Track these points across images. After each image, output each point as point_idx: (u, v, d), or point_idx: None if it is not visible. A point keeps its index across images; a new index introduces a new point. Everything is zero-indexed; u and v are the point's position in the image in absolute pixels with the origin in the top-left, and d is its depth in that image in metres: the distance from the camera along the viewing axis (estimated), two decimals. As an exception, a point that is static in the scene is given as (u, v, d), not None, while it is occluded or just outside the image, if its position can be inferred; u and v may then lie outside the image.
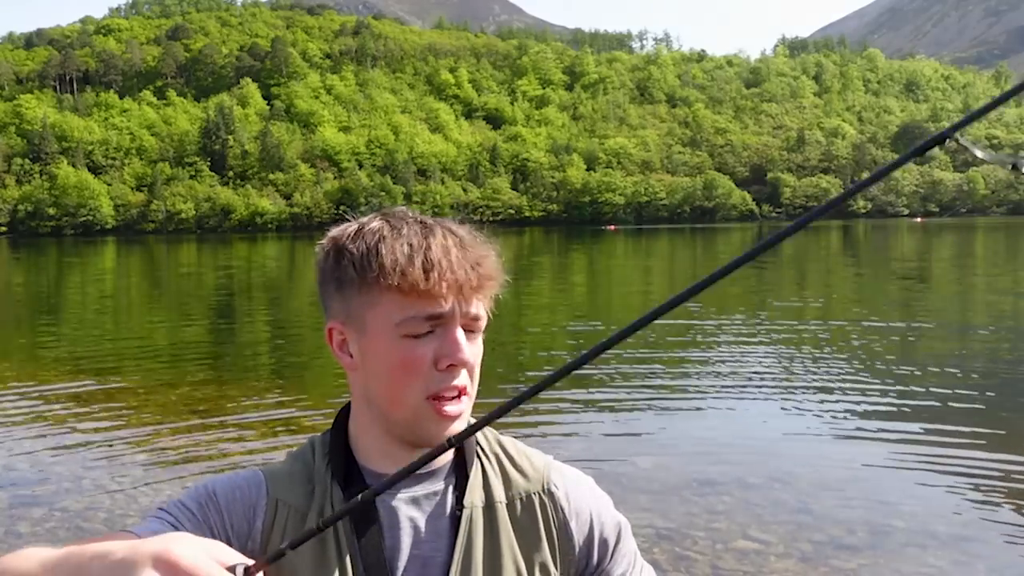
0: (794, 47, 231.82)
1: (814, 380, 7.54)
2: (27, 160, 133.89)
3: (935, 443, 5.46)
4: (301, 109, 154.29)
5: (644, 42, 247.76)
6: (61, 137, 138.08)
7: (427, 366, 1.04)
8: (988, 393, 7.06)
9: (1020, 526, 4.02)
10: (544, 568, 1.15)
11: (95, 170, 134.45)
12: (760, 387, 7.27)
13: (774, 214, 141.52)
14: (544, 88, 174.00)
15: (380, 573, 1.09)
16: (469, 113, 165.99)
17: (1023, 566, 3.56)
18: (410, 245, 1.04)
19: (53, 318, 14.60)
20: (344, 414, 1.17)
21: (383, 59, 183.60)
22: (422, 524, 1.12)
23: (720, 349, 9.35)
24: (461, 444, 1.12)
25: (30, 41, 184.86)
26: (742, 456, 5.17)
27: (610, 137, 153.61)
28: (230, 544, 1.01)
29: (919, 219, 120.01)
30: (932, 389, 7.15)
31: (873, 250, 35.94)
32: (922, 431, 5.77)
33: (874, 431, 5.77)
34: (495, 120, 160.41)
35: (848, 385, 7.40)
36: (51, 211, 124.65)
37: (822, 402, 6.72)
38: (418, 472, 1.06)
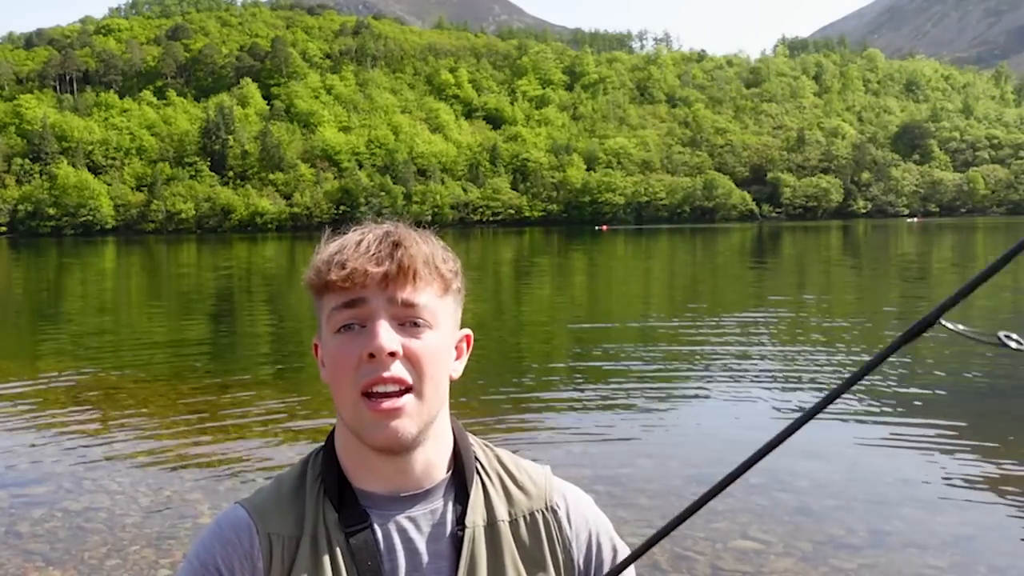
0: (794, 47, 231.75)
1: (814, 380, 7.54)
2: (27, 160, 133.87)
3: (935, 443, 5.46)
4: (301, 109, 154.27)
5: (644, 42, 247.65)
6: (61, 137, 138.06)
7: (354, 359, 1.04)
8: (989, 393, 7.06)
9: (1021, 526, 4.02)
10: None
11: (95, 170, 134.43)
12: (760, 387, 7.27)
13: (774, 214, 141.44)
14: (544, 88, 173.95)
15: None
16: (469, 113, 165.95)
17: (1023, 567, 3.56)
18: (340, 245, 1.07)
19: (53, 318, 14.60)
20: (328, 439, 1.16)
21: (383, 59, 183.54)
22: (422, 546, 1.10)
23: (720, 349, 9.35)
24: (459, 461, 1.14)
25: (30, 41, 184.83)
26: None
27: (610, 137, 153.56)
28: None
29: (916, 219, 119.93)
30: (932, 389, 7.15)
31: (872, 250, 35.94)
32: (922, 431, 5.77)
33: (874, 431, 5.77)
34: (495, 120, 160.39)
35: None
36: (51, 211, 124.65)
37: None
38: (414, 492, 1.09)
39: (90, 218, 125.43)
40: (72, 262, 39.85)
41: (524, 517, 1.15)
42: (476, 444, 1.20)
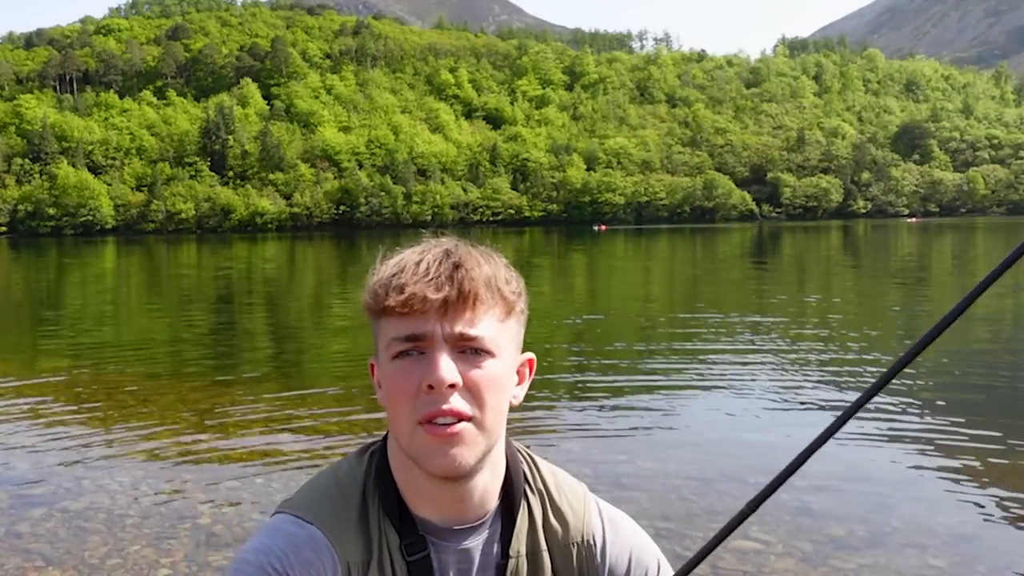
0: (794, 47, 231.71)
1: (814, 380, 7.54)
2: (27, 160, 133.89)
3: (935, 443, 5.47)
4: (301, 109, 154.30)
5: (644, 42, 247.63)
6: (61, 137, 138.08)
7: (414, 389, 1.02)
8: (989, 393, 7.06)
9: (1021, 527, 4.02)
10: None
11: (95, 170, 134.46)
12: (760, 387, 7.27)
13: (774, 214, 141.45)
14: (544, 88, 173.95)
15: None
16: (469, 113, 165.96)
17: None
18: (398, 267, 1.04)
19: (53, 318, 14.60)
20: (381, 454, 1.15)
21: (383, 59, 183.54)
22: (473, 575, 1.12)
23: (720, 348, 9.35)
24: (510, 488, 1.14)
25: (30, 41, 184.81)
26: (742, 456, 5.17)
27: (610, 137, 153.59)
28: None
29: (914, 219, 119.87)
30: (933, 389, 7.16)
31: (872, 250, 35.95)
32: (922, 431, 5.77)
33: (874, 430, 5.77)
34: (495, 120, 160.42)
35: (848, 385, 7.40)
36: (51, 211, 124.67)
37: (822, 402, 6.72)
38: (468, 526, 1.11)
39: (90, 218, 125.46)
40: (72, 262, 39.86)
41: (560, 548, 1.16)
42: (521, 459, 1.19)
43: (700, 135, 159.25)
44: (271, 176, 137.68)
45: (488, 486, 1.11)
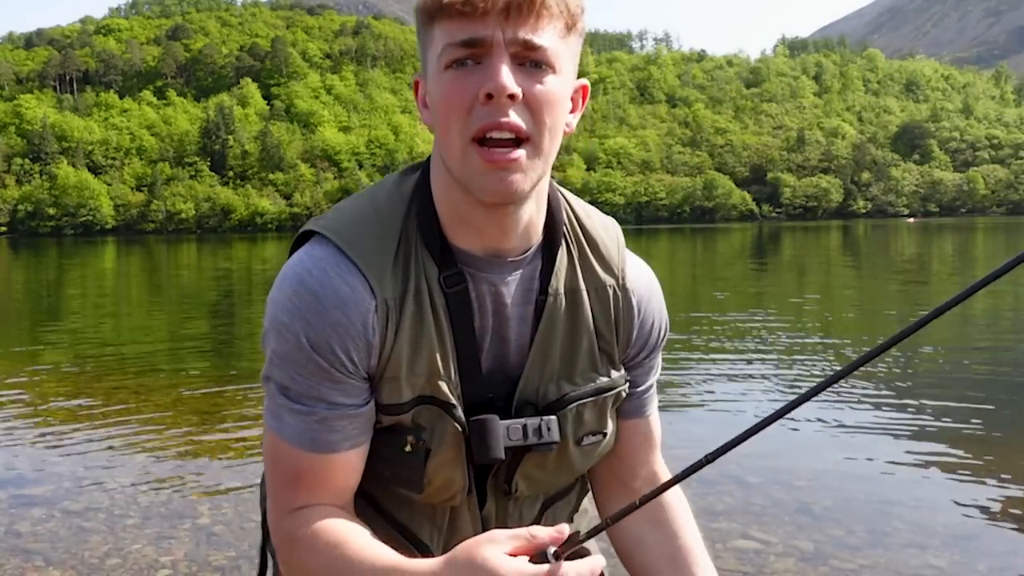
0: (794, 47, 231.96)
1: (814, 379, 7.54)
2: (27, 160, 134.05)
3: (935, 443, 5.47)
4: (301, 109, 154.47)
5: (644, 42, 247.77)
6: (61, 137, 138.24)
7: (468, 99, 0.96)
8: (989, 392, 7.06)
9: (1022, 527, 4.02)
10: (610, 356, 1.19)
11: (95, 170, 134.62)
12: (760, 387, 7.27)
13: (774, 214, 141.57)
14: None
15: (469, 353, 1.09)
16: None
17: None
18: None
19: (53, 318, 14.60)
20: (423, 179, 1.11)
21: (383, 59, 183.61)
22: (509, 309, 1.11)
23: (719, 348, 9.35)
24: (552, 225, 1.12)
25: (30, 41, 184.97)
26: (742, 456, 5.17)
27: (610, 137, 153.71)
28: (356, 369, 1.05)
29: (912, 219, 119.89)
30: (933, 388, 7.16)
31: (872, 250, 35.95)
32: (923, 430, 5.77)
33: (874, 430, 5.77)
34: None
35: (848, 384, 7.40)
36: (51, 211, 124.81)
37: (822, 401, 6.72)
38: (510, 259, 1.09)
39: (90, 218, 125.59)
40: (72, 262, 39.86)
41: (597, 289, 1.17)
42: (560, 196, 1.17)
43: (700, 135, 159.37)
44: (271, 176, 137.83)
45: (533, 218, 1.09)
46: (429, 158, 1.13)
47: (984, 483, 4.66)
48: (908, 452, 5.25)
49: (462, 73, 0.97)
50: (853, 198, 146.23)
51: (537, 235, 1.12)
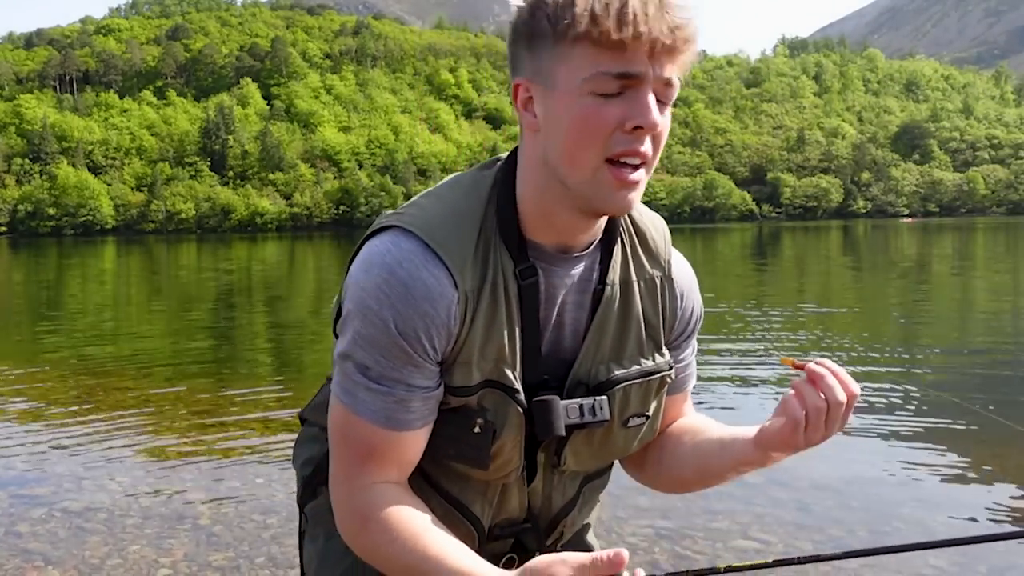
0: (794, 47, 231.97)
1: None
2: (27, 160, 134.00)
3: (936, 443, 5.46)
4: (301, 109, 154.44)
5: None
6: (61, 137, 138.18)
7: (611, 127, 1.03)
8: (989, 392, 7.05)
9: (1022, 528, 4.01)
10: (656, 342, 1.29)
11: (95, 170, 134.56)
12: (760, 387, 7.27)
13: (774, 214, 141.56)
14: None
15: (533, 337, 1.17)
16: (469, 113, 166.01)
17: None
18: None
19: (52, 318, 14.60)
20: (505, 176, 1.18)
21: (383, 59, 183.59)
22: (570, 298, 1.20)
23: (720, 348, 9.34)
24: (612, 222, 1.22)
25: (30, 41, 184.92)
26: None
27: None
28: (435, 355, 1.13)
29: (909, 219, 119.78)
30: (933, 388, 7.15)
31: (872, 251, 35.94)
32: (923, 431, 5.77)
33: (875, 431, 5.77)
34: (495, 120, 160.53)
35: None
36: (51, 211, 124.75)
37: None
38: (575, 254, 1.18)
39: (90, 218, 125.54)
40: (72, 262, 39.86)
41: (646, 280, 1.27)
42: None
43: (700, 135, 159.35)
44: (271, 176, 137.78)
45: (605, 219, 1.19)
46: (508, 157, 1.19)
47: (984, 483, 4.65)
48: (908, 452, 5.25)
49: (607, 101, 1.02)
50: (853, 198, 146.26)
51: (600, 232, 1.21)
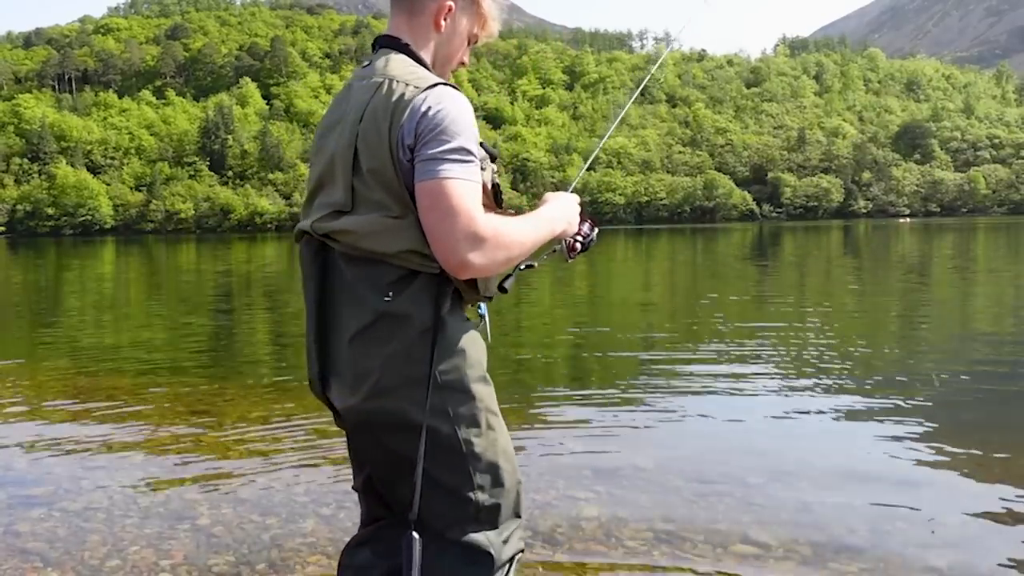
0: (795, 47, 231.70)
1: (816, 380, 7.54)
2: (26, 160, 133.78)
3: (936, 443, 5.46)
4: (301, 109, 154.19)
5: (644, 42, 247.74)
6: (60, 137, 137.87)
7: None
8: (991, 392, 7.05)
9: (1022, 527, 4.01)
10: None
11: (94, 170, 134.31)
12: (761, 387, 7.27)
13: (775, 214, 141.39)
14: (544, 88, 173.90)
15: None
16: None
17: (1024, 567, 3.55)
18: None
19: (52, 318, 14.60)
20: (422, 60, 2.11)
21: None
22: None
23: (720, 348, 9.34)
24: None
25: (29, 40, 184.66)
26: (742, 456, 5.16)
27: (610, 137, 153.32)
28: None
29: (907, 220, 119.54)
30: (934, 388, 7.15)
31: (872, 251, 35.93)
32: (924, 431, 5.77)
33: (876, 431, 5.77)
34: (495, 120, 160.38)
35: (849, 385, 7.40)
36: (50, 211, 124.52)
37: (824, 402, 6.71)
38: None
39: (89, 218, 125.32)
40: (71, 262, 39.85)
41: None
42: None
43: (700, 135, 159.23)
44: (271, 176, 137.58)
45: None
46: (404, 47, 2.06)
47: (985, 483, 4.65)
48: (908, 452, 5.25)
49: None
50: (854, 198, 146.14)
51: None
